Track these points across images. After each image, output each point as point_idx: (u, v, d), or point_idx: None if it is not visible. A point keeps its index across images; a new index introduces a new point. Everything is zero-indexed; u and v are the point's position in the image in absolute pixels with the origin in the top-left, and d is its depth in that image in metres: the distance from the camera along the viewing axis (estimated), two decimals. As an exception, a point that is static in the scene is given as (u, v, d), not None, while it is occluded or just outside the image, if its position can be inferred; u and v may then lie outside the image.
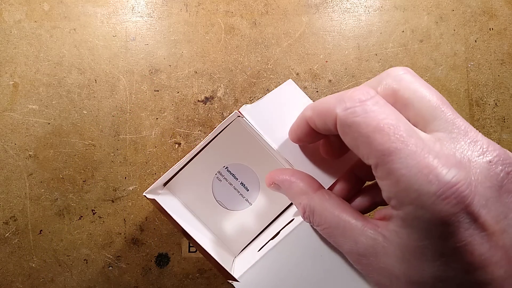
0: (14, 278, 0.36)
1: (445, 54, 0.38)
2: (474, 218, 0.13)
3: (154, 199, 0.25)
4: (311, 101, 0.23)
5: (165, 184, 0.30)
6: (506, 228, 0.14)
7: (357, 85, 0.37)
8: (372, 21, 0.38)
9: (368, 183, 0.23)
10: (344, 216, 0.17)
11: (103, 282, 0.36)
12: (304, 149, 0.22)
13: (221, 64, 0.37)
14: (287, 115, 0.22)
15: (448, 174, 0.13)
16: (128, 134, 0.37)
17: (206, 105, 0.37)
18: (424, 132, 0.16)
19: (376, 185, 0.22)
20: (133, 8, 0.38)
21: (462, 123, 0.15)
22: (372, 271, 0.17)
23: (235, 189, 0.32)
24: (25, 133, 0.37)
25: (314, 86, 0.37)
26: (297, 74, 0.38)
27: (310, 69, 0.38)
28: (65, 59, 0.37)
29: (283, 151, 0.22)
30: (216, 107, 0.37)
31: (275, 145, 0.22)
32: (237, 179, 0.32)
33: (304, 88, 0.37)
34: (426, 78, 0.37)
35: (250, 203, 0.32)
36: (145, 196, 0.25)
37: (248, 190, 0.32)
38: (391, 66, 0.38)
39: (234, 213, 0.32)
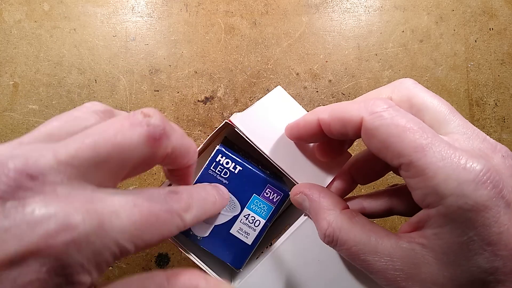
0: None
1: (445, 54, 0.38)
2: (508, 203, 0.14)
3: None
4: (301, 107, 0.24)
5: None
6: None
7: (357, 85, 0.37)
8: (372, 21, 0.38)
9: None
10: (375, 233, 0.17)
11: (103, 282, 0.36)
12: (295, 154, 0.22)
13: (221, 64, 0.37)
14: (277, 122, 0.23)
15: (479, 164, 0.14)
16: (128, 134, 0.37)
17: (206, 105, 0.37)
18: (440, 134, 0.17)
19: (368, 196, 0.22)
20: (133, 8, 0.38)
21: (471, 126, 0.17)
22: (412, 285, 0.16)
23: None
24: (25, 133, 0.37)
25: (314, 86, 0.37)
26: (297, 74, 0.38)
27: (310, 69, 0.38)
28: (65, 59, 0.37)
29: (274, 157, 0.22)
30: (216, 107, 0.37)
31: (266, 151, 0.22)
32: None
33: (304, 88, 0.37)
34: (426, 78, 0.37)
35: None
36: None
37: None
38: (391, 66, 0.38)
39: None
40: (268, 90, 0.37)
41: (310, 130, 0.20)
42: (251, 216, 0.22)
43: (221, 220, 0.23)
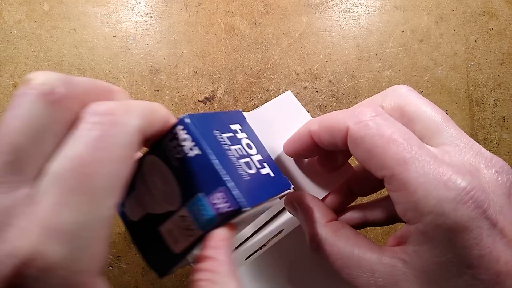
0: (14, 278, 0.36)
1: (445, 54, 0.38)
2: (493, 224, 0.13)
3: None
4: (309, 116, 0.23)
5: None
6: None
7: (357, 85, 0.37)
8: (372, 21, 0.38)
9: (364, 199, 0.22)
10: (358, 246, 0.17)
11: (103, 282, 0.36)
12: (298, 162, 0.22)
13: (221, 64, 0.37)
14: (282, 128, 0.22)
15: (463, 181, 0.13)
16: (128, 134, 0.37)
17: (206, 105, 0.37)
18: (431, 146, 0.16)
19: (369, 204, 0.21)
20: (133, 8, 0.38)
21: (466, 137, 0.16)
22: None
23: None
24: (25, 133, 0.37)
25: (314, 86, 0.37)
26: (297, 74, 0.38)
27: (310, 69, 0.38)
28: (65, 59, 0.37)
29: (276, 162, 0.21)
30: (216, 107, 0.37)
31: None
32: None
33: (304, 88, 0.37)
34: (426, 78, 0.37)
35: None
36: None
37: None
38: (391, 66, 0.38)
39: None
40: (268, 90, 0.37)
41: (304, 143, 0.19)
42: (188, 220, 0.16)
43: (155, 208, 0.17)
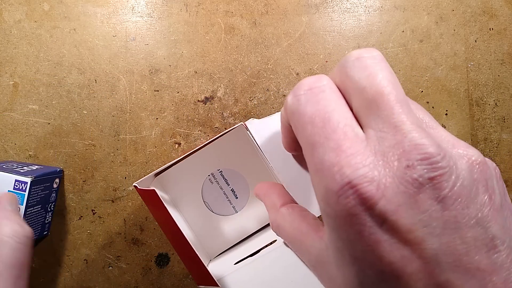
0: (14, 278, 0.36)
1: (445, 54, 0.38)
2: (380, 222, 0.12)
3: (146, 189, 0.25)
4: None
5: (156, 174, 0.30)
6: (425, 237, 0.12)
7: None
8: (372, 21, 0.38)
9: None
10: (302, 228, 0.17)
11: (103, 282, 0.36)
12: (299, 168, 0.21)
13: (221, 64, 0.37)
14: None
15: (352, 173, 0.13)
16: (128, 134, 0.37)
17: (206, 105, 0.37)
18: (362, 127, 0.14)
19: None
20: (133, 8, 0.38)
21: (397, 120, 0.13)
22: (324, 283, 0.16)
23: (224, 194, 0.32)
24: (25, 133, 0.37)
25: (314, 86, 0.37)
26: (297, 74, 0.38)
27: (310, 69, 0.38)
28: (65, 59, 0.37)
29: (277, 168, 0.21)
30: (216, 107, 0.37)
31: (271, 161, 0.21)
32: (228, 184, 0.32)
33: (304, 88, 0.37)
34: (426, 78, 0.37)
35: (236, 211, 0.32)
36: (135, 186, 0.25)
37: (237, 197, 0.32)
38: (391, 66, 0.38)
39: (218, 217, 0.32)
40: (268, 90, 0.37)
41: (286, 132, 0.18)
42: None
43: None
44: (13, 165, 0.31)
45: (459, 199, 0.12)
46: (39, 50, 0.37)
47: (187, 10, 0.38)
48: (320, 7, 0.38)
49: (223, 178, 0.32)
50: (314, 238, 0.16)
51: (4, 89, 0.37)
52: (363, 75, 0.14)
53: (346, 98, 0.15)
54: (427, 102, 0.37)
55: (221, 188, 0.32)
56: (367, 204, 0.12)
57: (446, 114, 0.37)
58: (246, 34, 0.38)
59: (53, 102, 0.37)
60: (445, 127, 0.37)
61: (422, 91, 0.37)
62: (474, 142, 0.38)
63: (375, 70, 0.14)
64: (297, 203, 0.20)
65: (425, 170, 0.12)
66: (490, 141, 0.38)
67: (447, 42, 0.38)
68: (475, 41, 0.38)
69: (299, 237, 0.17)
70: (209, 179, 0.32)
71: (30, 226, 0.29)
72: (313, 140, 0.14)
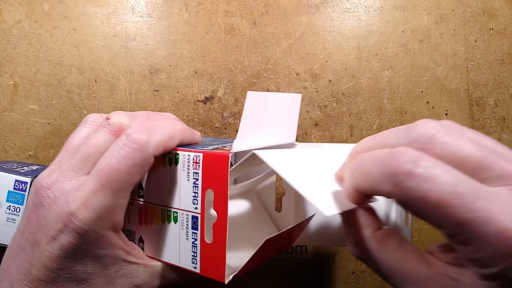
0: (14, 278, 0.36)
1: (445, 54, 0.38)
2: None
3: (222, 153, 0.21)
4: (296, 124, 0.24)
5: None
6: None
7: (357, 85, 0.37)
8: (372, 21, 0.38)
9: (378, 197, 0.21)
10: (406, 258, 0.17)
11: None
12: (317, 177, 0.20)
13: (221, 64, 0.37)
14: (275, 118, 0.24)
15: None
16: (128, 134, 0.37)
17: (206, 105, 0.37)
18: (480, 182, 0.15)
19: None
20: (133, 8, 0.38)
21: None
22: None
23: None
24: (25, 133, 0.37)
25: (314, 86, 0.37)
26: (297, 74, 0.38)
27: (310, 69, 0.38)
28: (65, 59, 0.37)
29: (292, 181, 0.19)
30: (216, 107, 0.37)
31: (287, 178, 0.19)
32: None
33: (304, 88, 0.37)
34: (426, 78, 0.37)
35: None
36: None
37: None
38: (391, 66, 0.37)
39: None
40: (268, 90, 0.37)
41: (356, 198, 0.18)
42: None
43: None
44: (13, 165, 0.31)
45: None
46: (39, 50, 0.37)
47: (187, 10, 0.38)
48: (320, 7, 0.38)
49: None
50: (432, 273, 0.16)
51: (4, 89, 0.37)
52: (463, 141, 0.16)
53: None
54: (427, 102, 0.37)
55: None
56: None
57: (446, 114, 0.37)
58: (246, 34, 0.38)
59: (53, 102, 0.37)
60: (445, 127, 0.37)
61: (422, 91, 0.37)
62: (474, 142, 0.38)
63: (459, 134, 0.17)
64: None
65: None
66: (490, 141, 0.38)
67: (447, 42, 0.38)
68: (475, 41, 0.38)
69: (404, 267, 0.17)
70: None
71: None
72: (459, 219, 0.14)
